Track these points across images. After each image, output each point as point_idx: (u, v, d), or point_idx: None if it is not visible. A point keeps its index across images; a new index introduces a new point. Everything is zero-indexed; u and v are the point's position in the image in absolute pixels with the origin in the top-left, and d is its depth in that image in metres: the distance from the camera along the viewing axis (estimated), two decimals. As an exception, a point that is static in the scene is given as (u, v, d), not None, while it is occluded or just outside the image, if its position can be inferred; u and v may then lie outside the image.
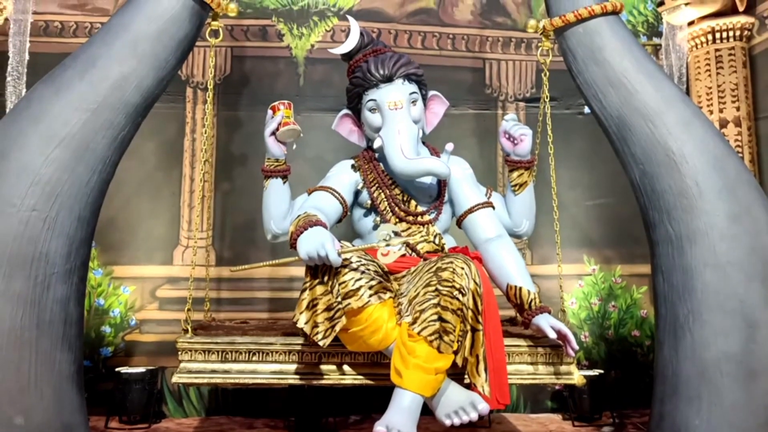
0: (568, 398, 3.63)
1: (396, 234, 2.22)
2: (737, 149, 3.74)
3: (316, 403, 3.37)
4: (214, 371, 2.36)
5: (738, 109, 3.83)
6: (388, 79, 2.53)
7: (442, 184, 2.63)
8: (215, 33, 2.64)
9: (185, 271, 3.63)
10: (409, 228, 2.54)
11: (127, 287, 3.78)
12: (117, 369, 3.53)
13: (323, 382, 2.38)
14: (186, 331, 2.41)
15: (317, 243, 2.04)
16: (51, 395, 2.22)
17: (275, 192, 2.64)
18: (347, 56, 2.69)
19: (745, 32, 3.88)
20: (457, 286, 2.10)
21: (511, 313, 2.90)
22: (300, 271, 2.26)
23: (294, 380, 2.39)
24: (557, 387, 3.76)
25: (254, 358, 2.38)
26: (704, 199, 2.40)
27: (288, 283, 3.78)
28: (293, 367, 2.38)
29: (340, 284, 2.09)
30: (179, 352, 2.37)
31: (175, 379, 2.35)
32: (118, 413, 3.46)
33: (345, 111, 2.69)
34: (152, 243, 3.82)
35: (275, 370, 2.38)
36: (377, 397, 2.38)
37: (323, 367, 2.37)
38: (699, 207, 2.40)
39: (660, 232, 2.49)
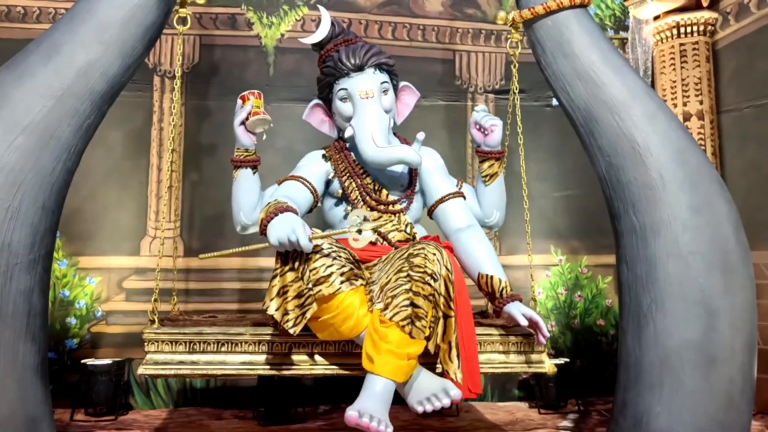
0: (534, 387, 3.69)
1: (367, 219, 2.21)
2: (700, 142, 3.82)
3: (285, 394, 3.37)
4: (181, 362, 2.31)
5: (701, 102, 3.91)
6: (360, 68, 2.52)
7: (413, 174, 2.63)
8: (183, 20, 2.60)
9: (153, 262, 3.58)
10: (381, 217, 2.53)
11: (93, 278, 3.73)
12: (83, 361, 3.48)
13: (294, 372, 2.35)
14: (152, 321, 2.37)
15: (288, 228, 2.01)
16: (14, 388, 2.18)
17: (245, 182, 2.62)
18: (318, 46, 2.67)
19: (709, 27, 3.96)
20: (429, 271, 2.09)
21: (482, 304, 2.92)
22: (270, 262, 2.24)
23: (264, 371, 2.35)
24: (524, 376, 3.82)
25: (223, 349, 2.34)
26: (667, 191, 2.44)
27: (258, 273, 3.76)
28: (263, 357, 2.34)
29: (311, 270, 2.06)
30: (145, 343, 2.32)
31: (141, 370, 2.29)
32: (83, 405, 3.41)
33: (316, 101, 2.68)
34: (119, 233, 3.77)
35: (245, 360, 2.33)
36: (346, 387, 2.38)
37: (293, 357, 2.34)
38: (662, 199, 2.44)
39: (625, 223, 2.53)
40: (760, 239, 3.38)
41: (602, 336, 4.06)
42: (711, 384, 2.34)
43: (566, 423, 3.38)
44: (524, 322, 2.30)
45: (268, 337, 2.34)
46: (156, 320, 2.38)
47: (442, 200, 2.58)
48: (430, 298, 2.09)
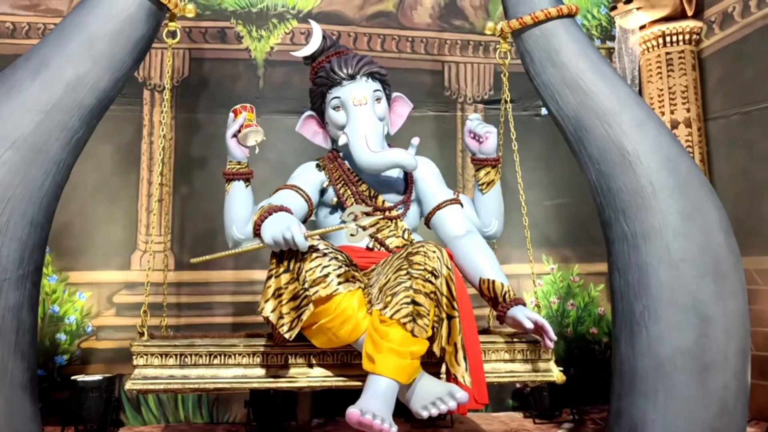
0: (529, 396, 3.68)
1: (365, 214, 2.15)
2: (688, 149, 3.84)
3: (278, 407, 3.34)
4: (171, 377, 2.23)
5: (688, 110, 3.94)
6: (352, 77, 2.52)
7: (408, 180, 2.62)
8: (172, 34, 2.60)
9: (143, 276, 3.54)
10: (377, 223, 2.47)
11: (83, 293, 3.69)
12: (72, 377, 3.43)
13: (290, 385, 2.27)
14: (141, 334, 2.31)
15: (282, 226, 1.98)
16: (3, 405, 2.15)
17: (237, 195, 2.59)
18: (309, 59, 2.68)
19: (694, 36, 3.99)
20: (429, 268, 2.05)
21: (484, 313, 2.90)
22: (262, 275, 2.22)
23: (259, 384, 2.27)
24: (519, 386, 3.80)
25: (215, 362, 2.26)
26: (658, 198, 2.45)
27: (250, 286, 3.73)
28: (257, 370, 2.26)
29: (307, 271, 2.01)
30: (134, 357, 2.24)
31: (129, 385, 2.21)
32: (74, 423, 3.37)
33: (309, 112, 2.68)
34: (109, 248, 3.74)
35: (238, 374, 2.25)
36: (341, 400, 2.36)
37: (290, 369, 2.26)
38: (653, 206, 2.45)
39: (616, 230, 2.54)
40: (750, 245, 3.39)
41: (595, 344, 4.06)
42: (705, 391, 2.34)
43: (561, 432, 3.37)
44: (530, 326, 2.24)
45: (262, 349, 2.27)
46: (145, 333, 2.32)
47: (439, 207, 2.56)
48: (432, 296, 2.03)
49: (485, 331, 2.81)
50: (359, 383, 2.08)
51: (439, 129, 4.13)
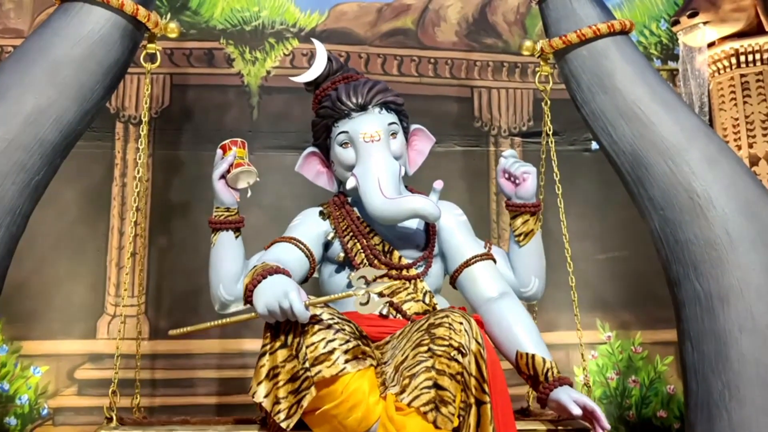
0: (582, 495, 3.61)
1: (376, 279, 2.17)
2: (772, 191, 3.82)
3: None
4: None
5: (771, 143, 3.94)
6: (363, 108, 2.54)
7: (430, 232, 2.63)
8: (151, 57, 2.67)
9: (111, 347, 3.54)
10: (393, 284, 2.49)
11: (38, 368, 3.69)
12: (24, 471, 3.43)
13: None
14: (110, 419, 2.35)
15: (279, 292, 1.99)
16: (-60, 505, 2.15)
17: (225, 248, 2.60)
18: (312, 85, 2.71)
19: (774, 55, 4.02)
20: (455, 344, 2.03)
21: (521, 393, 2.86)
22: (256, 345, 2.22)
23: None
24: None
25: None
26: (736, 250, 2.44)
27: (240, 359, 3.73)
28: None
29: (308, 346, 2.02)
30: None
31: None
32: None
33: (311, 149, 2.70)
34: (71, 312, 3.75)
35: None
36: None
37: None
38: (730, 260, 2.44)
39: (686, 290, 2.52)
40: None
41: (664, 431, 3.99)
42: (802, 490, 2.28)
43: None
44: (577, 412, 2.21)
45: (253, 440, 2.30)
46: (114, 418, 2.36)
47: (467, 263, 2.56)
48: (458, 377, 2.02)
49: (524, 413, 2.80)
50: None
51: (468, 167, 4.16)
